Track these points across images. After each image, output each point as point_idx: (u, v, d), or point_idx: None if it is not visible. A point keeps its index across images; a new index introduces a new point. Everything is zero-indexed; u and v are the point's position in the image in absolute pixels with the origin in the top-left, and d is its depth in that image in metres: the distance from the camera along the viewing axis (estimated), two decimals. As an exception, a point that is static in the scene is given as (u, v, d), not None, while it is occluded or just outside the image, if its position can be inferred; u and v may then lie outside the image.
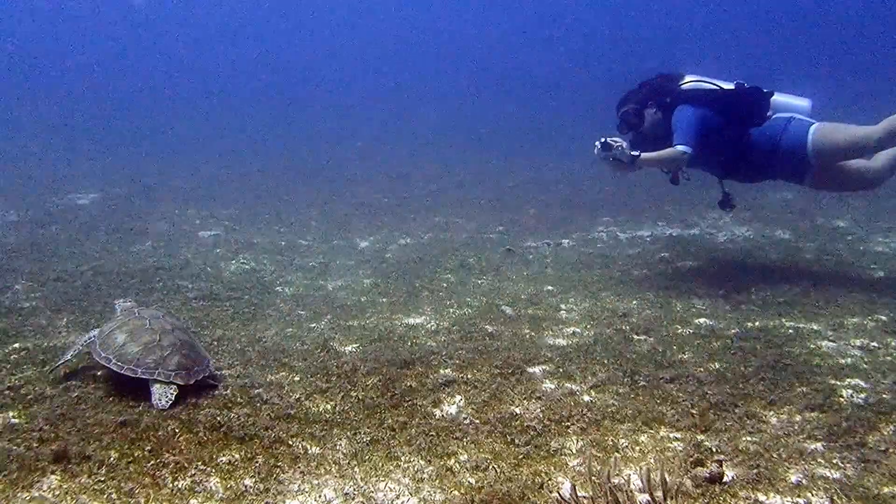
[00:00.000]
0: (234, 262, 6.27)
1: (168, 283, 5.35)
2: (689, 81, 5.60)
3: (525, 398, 3.04)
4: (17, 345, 3.77)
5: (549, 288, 5.32)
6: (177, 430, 2.76)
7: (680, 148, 5.17)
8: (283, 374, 3.48)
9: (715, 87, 5.47)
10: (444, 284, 5.50)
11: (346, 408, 3.01)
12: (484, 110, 22.80)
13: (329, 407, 3.03)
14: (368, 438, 2.73)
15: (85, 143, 16.10)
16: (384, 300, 5.04)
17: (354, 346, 3.93)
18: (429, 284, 5.49)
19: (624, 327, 4.22)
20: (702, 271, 5.66)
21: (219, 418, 2.88)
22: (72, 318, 4.38)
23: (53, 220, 8.07)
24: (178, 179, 11.89)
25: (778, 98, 5.51)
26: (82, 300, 4.81)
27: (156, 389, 3.06)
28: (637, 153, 5.17)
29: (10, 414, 2.88)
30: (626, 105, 5.78)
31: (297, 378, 3.40)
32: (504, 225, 8.52)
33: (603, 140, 5.20)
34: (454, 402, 3.03)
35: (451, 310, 4.73)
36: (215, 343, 3.91)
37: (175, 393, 3.07)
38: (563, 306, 4.81)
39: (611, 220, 8.81)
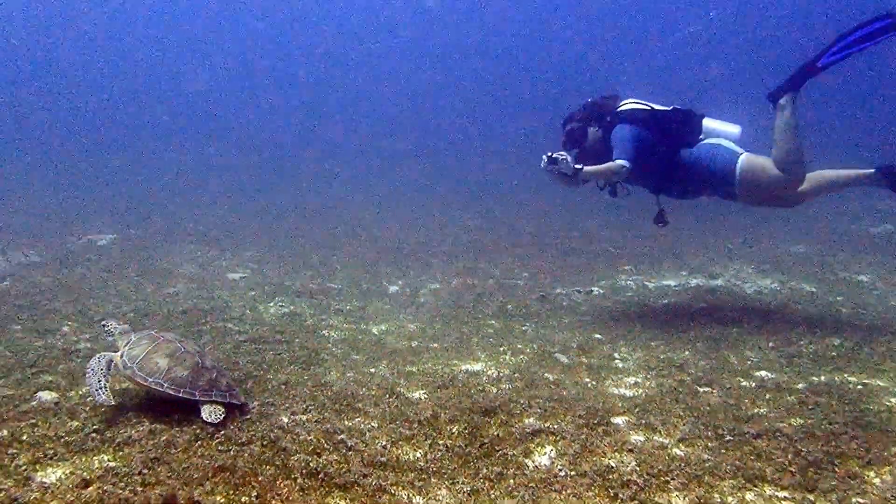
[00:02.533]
0: (271, 305, 6.26)
1: (215, 326, 5.33)
2: (628, 103, 6.05)
3: (616, 450, 3.03)
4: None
5: (598, 336, 5.34)
6: (275, 476, 2.74)
7: (619, 162, 5.63)
8: (360, 419, 3.46)
9: (650, 108, 5.92)
10: (490, 330, 5.52)
11: (437, 456, 3.00)
12: (481, 159, 23.19)
13: (419, 455, 3.02)
14: (469, 489, 2.72)
15: (87, 180, 16.16)
16: (435, 345, 5.04)
17: (422, 392, 3.92)
18: (475, 331, 5.50)
19: (685, 378, 4.23)
20: (743, 323, 5.70)
21: (312, 464, 2.86)
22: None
23: (77, 261, 8.05)
24: (189, 219, 11.93)
25: (709, 123, 5.97)
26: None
27: (206, 408, 3.27)
28: (580, 166, 5.65)
29: (105, 457, 2.85)
30: (570, 123, 6.29)
31: (374, 424, 3.39)
32: (528, 271, 8.58)
33: (550, 154, 5.68)
34: (545, 453, 3.02)
35: (505, 357, 4.74)
36: (283, 387, 3.88)
37: (224, 412, 3.28)
38: (615, 355, 4.83)
39: (632, 269, 8.89)
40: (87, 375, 3.34)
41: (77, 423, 3.21)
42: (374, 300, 6.68)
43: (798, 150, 5.58)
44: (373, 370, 4.37)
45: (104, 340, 4.28)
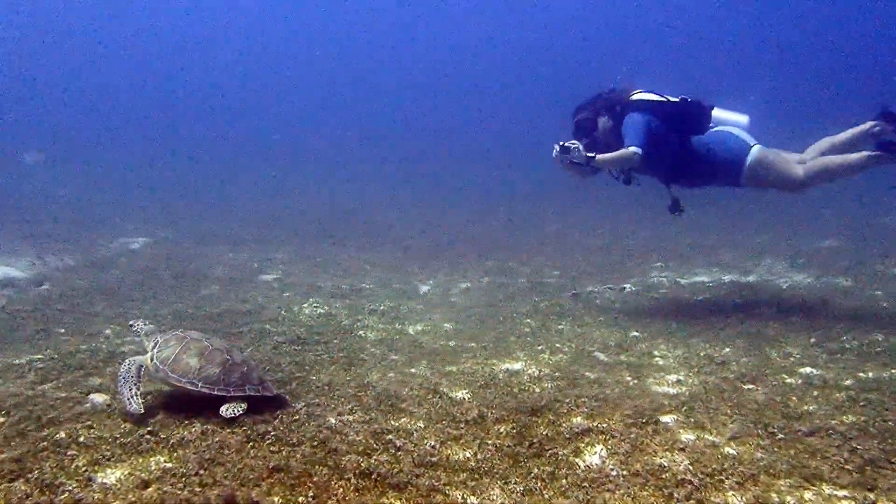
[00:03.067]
0: (306, 306, 6.30)
1: (253, 328, 5.38)
2: (637, 93, 6.09)
3: (667, 449, 3.02)
4: (142, 389, 3.79)
5: (635, 334, 5.32)
6: (329, 476, 2.76)
7: (632, 148, 5.65)
8: (405, 419, 3.47)
9: (660, 98, 5.98)
10: (527, 329, 5.51)
11: (487, 456, 3.00)
12: (503, 157, 23.14)
13: (468, 454, 3.02)
14: (522, 489, 2.72)
15: (109, 184, 16.38)
16: (473, 345, 5.04)
17: (465, 391, 3.92)
18: (511, 329, 5.50)
19: (728, 376, 4.20)
20: (781, 318, 5.64)
21: (364, 465, 2.87)
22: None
23: (111, 265, 8.16)
24: (213, 222, 12.05)
25: (718, 113, 6.06)
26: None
27: (225, 406, 3.32)
28: (592, 154, 5.75)
29: (161, 458, 2.89)
30: (581, 113, 6.34)
31: (421, 424, 3.40)
32: (558, 269, 8.56)
33: (562, 143, 5.80)
34: (595, 452, 3.01)
35: (544, 356, 4.73)
36: (327, 388, 3.91)
37: (245, 407, 3.35)
38: (655, 353, 4.80)
39: (663, 266, 8.84)
40: (119, 384, 3.40)
41: (130, 425, 3.25)
42: (406, 300, 6.70)
43: (830, 179, 5.74)
44: (413, 370, 4.39)
45: (137, 341, 4.34)
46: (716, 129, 6.01)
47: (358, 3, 43.34)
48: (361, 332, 5.41)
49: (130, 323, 3.94)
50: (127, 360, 3.54)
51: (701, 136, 5.98)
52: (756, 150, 5.79)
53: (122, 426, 3.24)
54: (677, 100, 5.96)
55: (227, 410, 3.30)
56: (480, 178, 19.02)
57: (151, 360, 3.50)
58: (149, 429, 3.20)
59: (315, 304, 6.31)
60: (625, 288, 7.39)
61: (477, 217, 13.37)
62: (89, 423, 3.26)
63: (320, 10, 43.96)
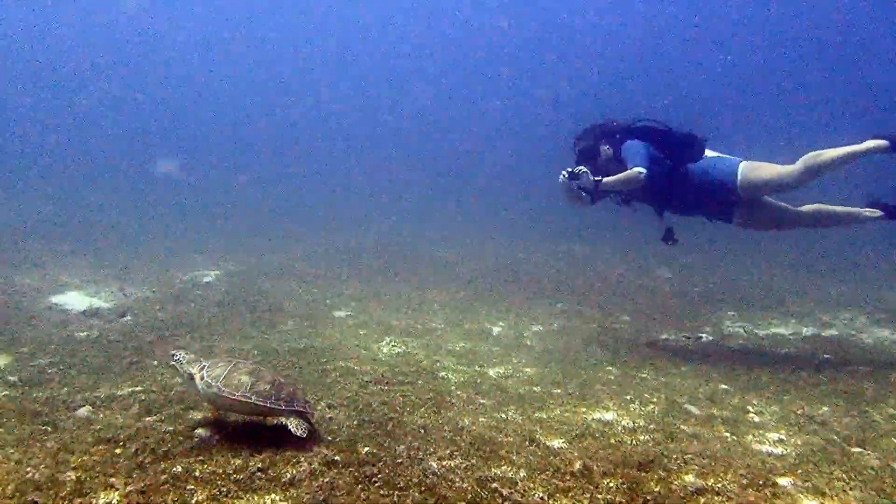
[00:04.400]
0: (383, 344, 6.35)
1: (337, 365, 5.44)
2: (636, 122, 6.47)
3: (790, 514, 2.92)
4: (242, 426, 3.86)
5: (724, 387, 5.20)
6: (445, 526, 2.75)
7: (637, 169, 5.89)
8: (506, 467, 3.44)
9: (657, 126, 6.35)
10: (610, 377, 5.44)
11: (600, 511, 2.95)
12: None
13: (580, 509, 2.98)
14: (642, 547, 2.66)
15: (170, 213, 16.89)
16: (558, 391, 5.00)
17: (560, 441, 3.88)
18: (594, 376, 5.44)
19: (832, 437, 4.06)
20: (877, 377, 5.44)
21: (476, 515, 2.86)
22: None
23: (188, 297, 8.35)
24: (279, 256, 12.27)
25: (709, 153, 6.39)
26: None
27: (293, 422, 3.58)
28: (599, 178, 6.05)
29: (276, 497, 2.93)
30: (582, 141, 6.69)
31: (523, 473, 3.36)
32: (627, 314, 8.45)
33: (570, 170, 6.09)
34: (714, 514, 2.93)
35: (634, 406, 4.66)
36: (423, 431, 3.91)
37: (308, 426, 3.61)
38: (749, 408, 4.68)
39: (735, 315, 8.65)
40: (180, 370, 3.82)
41: (240, 462, 3.31)
42: (480, 342, 6.69)
43: (827, 171, 6.02)
44: (503, 415, 4.36)
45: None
46: (707, 156, 6.39)
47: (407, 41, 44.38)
48: (443, 374, 5.41)
49: (173, 353, 4.03)
50: (192, 376, 3.75)
51: (694, 164, 6.34)
52: (744, 162, 6.20)
53: (233, 462, 3.30)
54: (674, 129, 6.33)
55: (295, 427, 3.55)
56: (533, 212, 18.96)
57: (202, 378, 3.63)
58: (259, 466, 3.24)
59: (392, 343, 6.35)
60: (701, 337, 7.25)
61: (538, 257, 13.33)
62: (201, 458, 3.33)
63: (364, 48, 45.05)
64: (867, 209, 6.18)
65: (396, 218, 19.74)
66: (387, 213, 20.92)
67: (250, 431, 3.73)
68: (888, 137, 5.88)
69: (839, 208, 6.22)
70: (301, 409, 3.63)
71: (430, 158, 34.49)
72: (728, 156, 6.38)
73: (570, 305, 8.85)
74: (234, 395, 3.52)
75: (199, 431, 3.70)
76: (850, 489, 3.21)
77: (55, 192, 18.24)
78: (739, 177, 6.12)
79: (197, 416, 4.03)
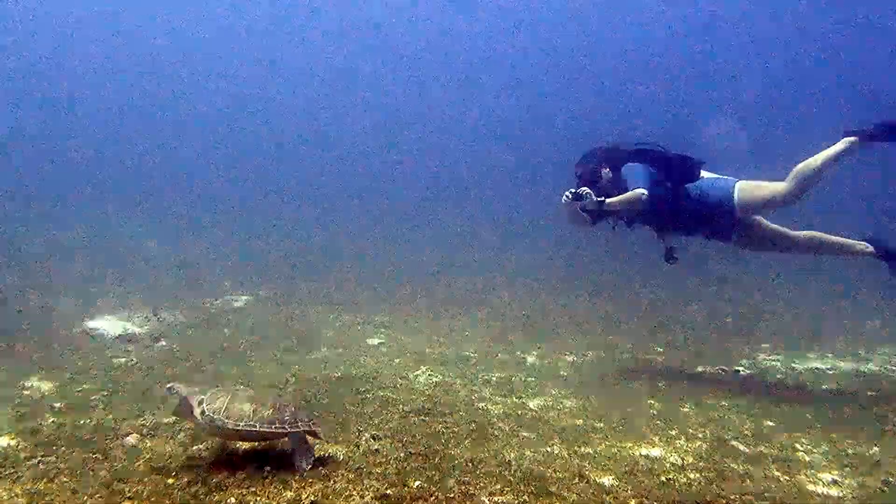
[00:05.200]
0: (420, 374, 6.32)
1: (376, 395, 5.43)
2: (636, 145, 6.66)
3: (858, 559, 2.84)
4: (290, 455, 3.85)
5: (770, 423, 5.11)
6: (505, 566, 2.71)
7: (639, 190, 6.13)
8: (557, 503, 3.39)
9: (656, 149, 6.55)
10: (653, 411, 5.37)
11: (661, 553, 2.89)
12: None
13: (640, 550, 2.92)
14: (709, 592, 2.60)
15: (193, 236, 17.02)
16: (601, 425, 4.94)
17: (610, 477, 3.83)
18: (636, 410, 5.37)
19: (890, 479, 3.97)
20: (924, 414, 5.34)
21: (535, 554, 2.81)
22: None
23: (221, 323, 8.40)
24: (308, 282, 12.30)
25: (706, 174, 6.58)
26: (312, 409, 4.92)
27: (298, 460, 3.62)
28: (602, 198, 6.16)
29: (333, 533, 2.90)
30: (583, 164, 6.80)
31: (577, 512, 3.31)
32: (661, 346, 8.37)
33: (573, 191, 6.22)
34: (778, 557, 2.86)
35: (680, 442, 4.58)
36: (470, 464, 3.88)
37: (313, 457, 3.68)
38: (797, 446, 4.59)
39: (769, 348, 8.53)
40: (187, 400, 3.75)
41: (291, 494, 3.30)
42: (515, 372, 6.64)
43: (816, 179, 6.23)
44: (548, 449, 4.31)
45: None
46: (705, 177, 6.58)
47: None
48: (482, 405, 5.37)
49: (169, 386, 4.00)
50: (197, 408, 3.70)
51: (692, 184, 6.51)
52: (740, 182, 6.40)
53: (285, 494, 3.29)
54: (672, 152, 6.53)
55: (303, 463, 3.60)
56: (555, 240, 18.89)
57: (203, 413, 3.60)
58: (311, 499, 3.23)
59: (430, 373, 6.33)
60: (738, 370, 7.15)
61: (563, 284, 13.26)
62: (253, 489, 3.33)
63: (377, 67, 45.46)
64: (861, 243, 6.35)
65: (417, 245, 19.79)
66: (412, 240, 20.97)
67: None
68: (857, 133, 6.18)
69: (834, 238, 6.42)
70: (307, 428, 3.69)
71: (445, 184, 34.55)
72: (724, 176, 6.57)
73: (601, 335, 8.78)
74: (239, 425, 3.54)
75: (250, 462, 3.69)
76: (917, 534, 3.13)
77: (82, 214, 18.50)
78: (736, 197, 6.32)
79: (244, 445, 4.02)
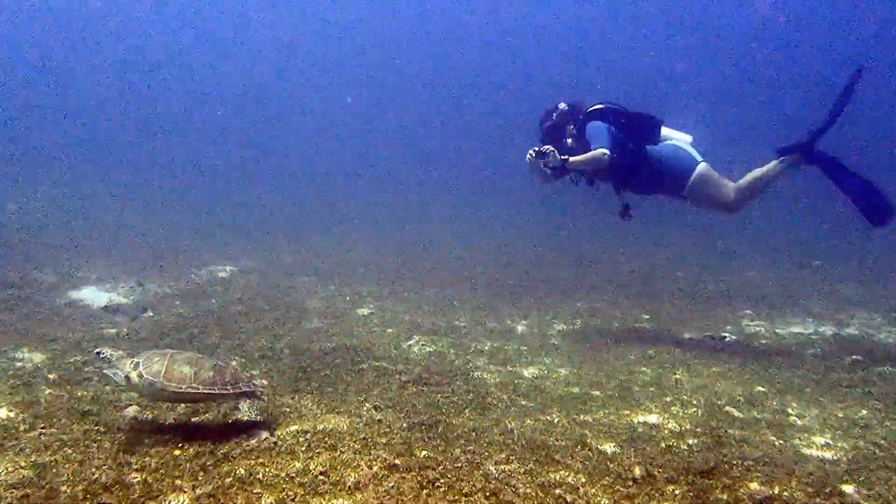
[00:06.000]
0: (413, 343, 6.34)
1: (373, 365, 5.43)
2: (598, 105, 6.82)
3: (861, 523, 2.92)
4: (295, 427, 3.85)
5: (761, 389, 5.21)
6: (519, 532, 2.74)
7: (601, 150, 6.28)
8: (564, 472, 3.43)
9: (618, 108, 6.73)
10: (646, 378, 5.45)
11: (669, 518, 2.95)
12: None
13: (648, 515, 2.97)
14: (718, 554, 2.66)
15: (171, 209, 16.80)
16: (596, 392, 5.00)
17: (611, 444, 3.88)
18: (629, 377, 5.44)
19: (878, 441, 4.08)
20: (907, 379, 5.48)
21: (547, 521, 2.85)
22: (315, 398, 4.47)
23: (207, 294, 8.32)
24: (290, 253, 12.23)
25: (666, 131, 6.78)
26: (310, 380, 4.92)
27: (244, 404, 3.79)
28: (566, 157, 6.26)
29: (343, 501, 2.92)
30: (548, 121, 7.06)
31: (582, 478, 3.35)
32: (647, 314, 8.46)
33: (537, 149, 6.27)
34: (783, 521, 2.93)
35: (676, 408, 4.66)
36: (474, 434, 3.91)
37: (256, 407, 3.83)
38: (789, 410, 4.69)
39: (752, 314, 8.67)
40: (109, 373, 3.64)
41: (300, 465, 3.29)
42: (507, 341, 6.69)
43: (755, 197, 6.56)
44: (549, 418, 4.36)
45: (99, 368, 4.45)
46: (668, 142, 6.75)
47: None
48: (478, 374, 5.40)
49: (97, 351, 3.80)
50: (122, 372, 3.60)
51: (654, 146, 6.69)
52: (702, 167, 6.53)
53: (293, 465, 3.29)
54: (633, 111, 6.69)
55: (250, 410, 3.82)
56: (540, 213, 18.95)
57: (140, 377, 3.51)
58: (320, 469, 3.23)
59: (423, 343, 6.34)
60: (725, 337, 7.26)
61: (548, 253, 13.33)
62: (261, 460, 3.32)
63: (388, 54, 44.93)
64: (779, 161, 6.45)
65: (400, 215, 19.73)
66: (388, 209, 20.90)
67: (300, 432, 3.72)
68: (792, 149, 6.36)
69: (762, 170, 6.51)
70: (249, 389, 3.71)
71: (431, 155, 34.46)
72: (690, 148, 6.72)
73: (587, 304, 8.86)
74: (182, 387, 3.50)
75: (255, 432, 3.69)
76: (913, 497, 3.22)
77: (62, 186, 18.09)
78: (692, 179, 6.52)
79: (246, 416, 4.01)
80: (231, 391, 3.62)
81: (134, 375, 3.53)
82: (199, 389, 3.53)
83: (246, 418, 3.83)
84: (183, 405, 4.04)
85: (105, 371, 3.69)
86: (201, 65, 43.24)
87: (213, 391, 3.56)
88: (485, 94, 42.73)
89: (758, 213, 15.32)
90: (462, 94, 43.79)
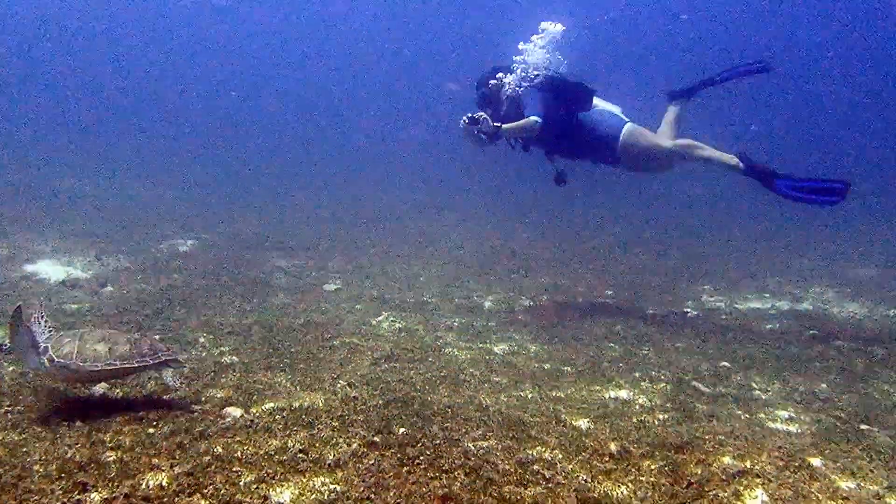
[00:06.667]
0: (382, 319, 6.32)
1: (343, 341, 5.40)
2: (534, 72, 6.90)
3: (830, 498, 3.02)
4: (270, 405, 3.81)
5: (725, 364, 5.34)
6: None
7: (533, 118, 6.43)
8: (540, 448, 3.47)
9: (553, 75, 6.86)
10: (614, 354, 5.54)
11: (647, 494, 2.98)
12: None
13: (624, 491, 3.02)
14: (695, 528, 2.73)
15: (128, 180, 16.38)
16: (567, 368, 5.07)
17: (585, 420, 3.94)
18: (598, 353, 5.53)
19: (839, 414, 4.23)
20: (862, 351, 5.70)
21: (528, 498, 2.88)
22: (288, 375, 4.43)
23: (168, 268, 8.11)
24: (249, 226, 12.03)
25: (596, 102, 6.97)
26: (282, 356, 4.87)
27: (168, 373, 3.68)
28: (499, 124, 6.36)
29: (325, 480, 2.89)
30: (484, 86, 7.14)
31: (559, 454, 3.40)
32: (610, 289, 8.59)
33: (470, 115, 6.34)
34: (756, 497, 3.00)
35: (645, 384, 4.76)
36: (450, 410, 3.92)
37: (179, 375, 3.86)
38: (753, 385, 4.83)
39: (712, 289, 8.88)
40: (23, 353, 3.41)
41: (277, 443, 3.26)
42: (475, 317, 6.71)
43: (687, 162, 6.78)
44: (522, 394, 4.40)
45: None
46: (599, 108, 6.95)
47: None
48: (449, 350, 5.42)
49: (40, 314, 3.64)
50: (35, 357, 3.41)
51: (585, 112, 6.86)
52: (629, 125, 6.74)
53: (271, 443, 3.26)
54: (568, 79, 6.84)
55: (172, 379, 3.69)
56: (498, 192, 18.98)
57: (50, 361, 3.35)
58: (299, 447, 3.21)
59: (392, 319, 6.33)
60: (687, 312, 7.42)
61: (509, 230, 13.40)
62: (238, 438, 3.28)
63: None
64: (733, 157, 6.48)
65: (362, 188, 19.55)
66: (351, 184, 20.69)
67: (276, 410, 3.68)
68: (745, 160, 6.40)
69: (709, 149, 6.62)
70: (168, 357, 3.67)
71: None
72: (618, 113, 6.92)
73: (552, 279, 8.94)
74: (98, 365, 3.38)
75: (230, 410, 3.64)
76: (873, 469, 3.36)
77: (8, 155, 17.39)
78: (621, 139, 6.67)
79: (218, 393, 3.95)
80: (150, 362, 3.54)
81: (44, 360, 3.36)
82: (116, 365, 3.42)
83: (171, 384, 3.73)
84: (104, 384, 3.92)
85: (28, 326, 3.42)
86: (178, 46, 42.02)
87: (132, 364, 3.47)
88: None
89: (730, 192, 15.67)
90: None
